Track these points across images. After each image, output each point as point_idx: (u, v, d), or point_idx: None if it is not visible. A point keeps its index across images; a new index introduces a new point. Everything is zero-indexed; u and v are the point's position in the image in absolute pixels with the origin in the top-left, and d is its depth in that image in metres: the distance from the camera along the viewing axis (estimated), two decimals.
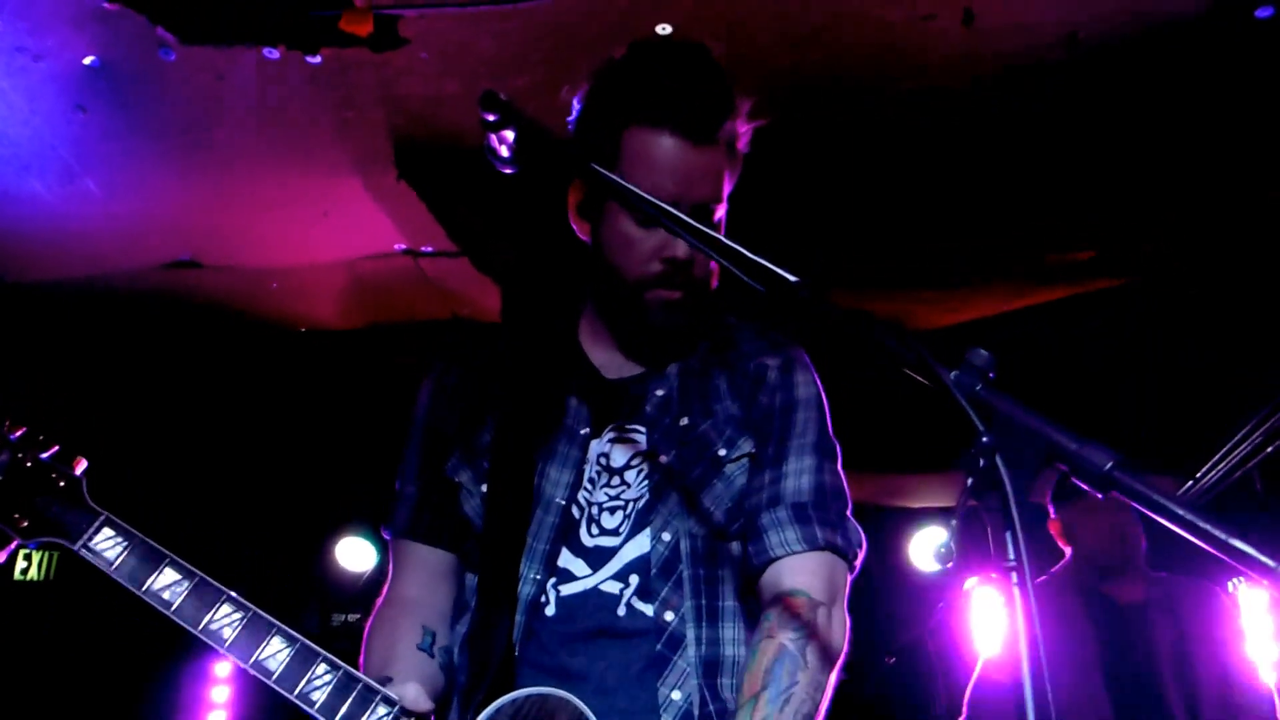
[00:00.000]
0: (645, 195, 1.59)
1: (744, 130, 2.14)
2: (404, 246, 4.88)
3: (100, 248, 4.78)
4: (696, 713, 1.95)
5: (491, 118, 1.67)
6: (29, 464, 2.00)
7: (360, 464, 5.82)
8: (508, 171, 1.76)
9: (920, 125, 4.06)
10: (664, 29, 3.50)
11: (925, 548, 7.25)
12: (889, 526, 7.37)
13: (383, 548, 7.13)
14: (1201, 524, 1.07)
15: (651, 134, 2.03)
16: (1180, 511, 1.09)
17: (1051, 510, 4.53)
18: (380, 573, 7.14)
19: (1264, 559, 1.04)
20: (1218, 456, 6.14)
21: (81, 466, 2.04)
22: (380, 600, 2.22)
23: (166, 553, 1.97)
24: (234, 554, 6.98)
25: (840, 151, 4.20)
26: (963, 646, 6.84)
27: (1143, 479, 1.11)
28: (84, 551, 1.95)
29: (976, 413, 1.19)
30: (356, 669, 2.04)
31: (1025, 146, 4.14)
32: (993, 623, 6.78)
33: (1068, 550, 4.46)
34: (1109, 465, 1.14)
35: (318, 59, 3.63)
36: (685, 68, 2.08)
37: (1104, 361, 5.30)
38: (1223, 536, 1.06)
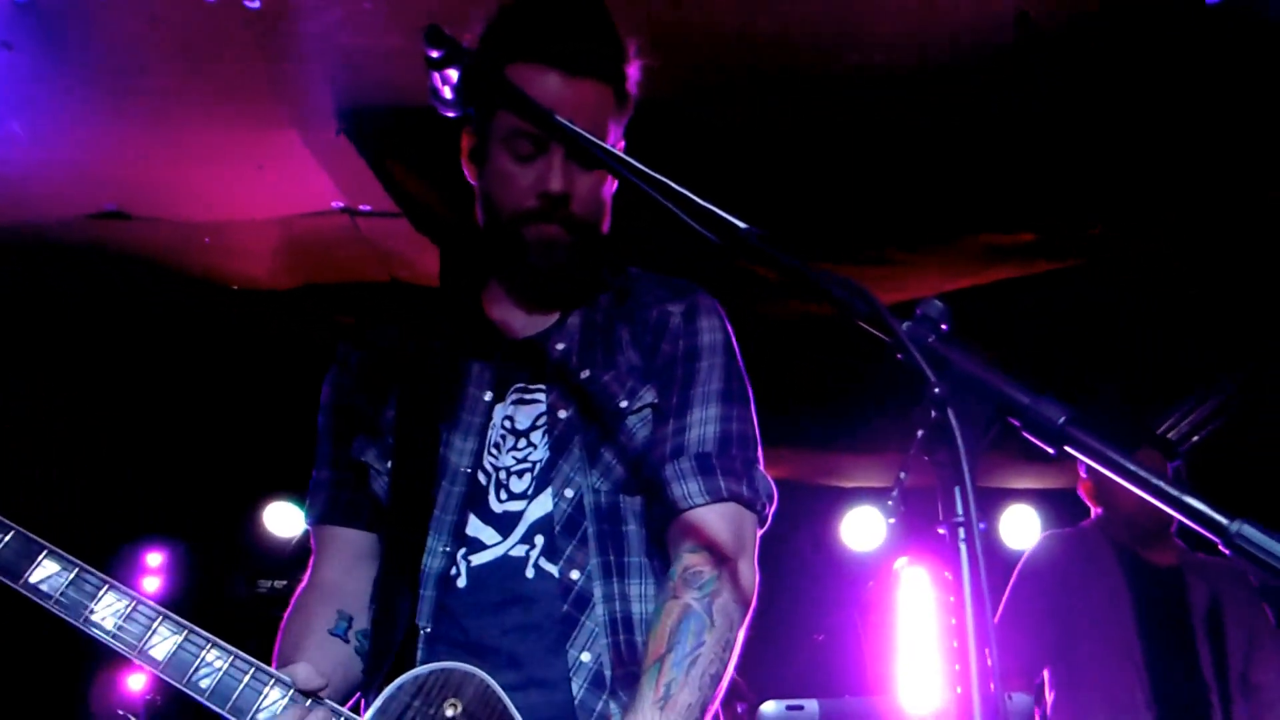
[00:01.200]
0: (576, 129, 1.55)
1: (630, 71, 2.12)
2: (342, 204, 4.77)
3: (25, 194, 4.62)
4: (607, 674, 1.92)
5: (435, 54, 1.62)
6: None
7: (291, 428, 5.71)
8: (450, 115, 1.72)
9: (866, 100, 4.04)
10: None
11: (857, 527, 7.30)
12: (821, 505, 7.42)
13: None
14: (1155, 481, 1.05)
15: (527, 69, 2.00)
16: (1134, 468, 1.06)
17: (1082, 470, 4.61)
18: (309, 538, 7.05)
19: (1216, 516, 1.02)
20: (1159, 432, 6.22)
21: None
22: (299, 588, 2.18)
23: (45, 544, 1.89)
24: (160, 518, 6.85)
25: (784, 123, 4.17)
26: (891, 625, 6.92)
27: (1098, 437, 1.09)
28: None
29: (929, 365, 1.15)
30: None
31: (973, 127, 4.14)
32: (921, 601, 6.87)
33: (1094, 510, 4.57)
34: (1062, 420, 1.11)
35: (257, 4, 3.53)
36: (565, 7, 2.08)
37: (1043, 344, 5.35)
38: (1176, 493, 1.04)
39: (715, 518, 1.98)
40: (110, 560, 6.58)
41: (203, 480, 6.90)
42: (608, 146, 1.53)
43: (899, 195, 4.52)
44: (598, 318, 2.17)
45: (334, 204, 4.77)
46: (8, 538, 1.87)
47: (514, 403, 2.11)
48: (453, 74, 1.65)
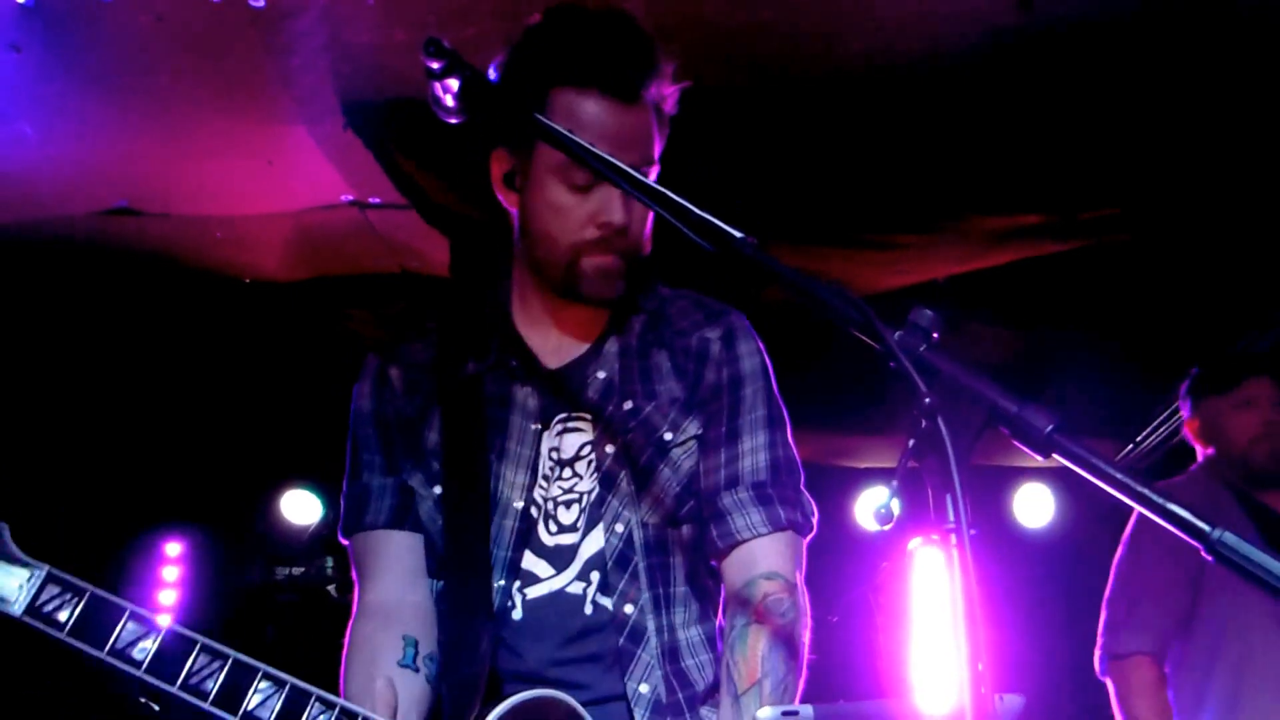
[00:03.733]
0: (592, 148, 1.56)
1: (670, 92, 2.10)
2: (351, 198, 4.79)
3: (36, 193, 4.65)
4: (665, 701, 1.98)
5: (435, 66, 1.63)
6: None
7: (306, 417, 5.76)
8: (452, 122, 1.73)
9: (872, 86, 4.03)
10: None
11: (870, 507, 7.31)
12: (834, 486, 7.43)
13: (329, 500, 7.11)
14: (1139, 488, 1.08)
15: (578, 95, 1.98)
16: (1119, 475, 1.09)
17: (1185, 410, 4.21)
18: (326, 525, 7.10)
19: (1199, 523, 1.04)
20: (1157, 422, 6.25)
21: (4, 531, 1.73)
22: (354, 613, 2.11)
23: (126, 604, 1.70)
24: (178, 508, 6.91)
25: (792, 110, 4.17)
26: (905, 606, 6.94)
27: (1082, 442, 1.11)
28: (29, 619, 1.66)
29: (920, 373, 1.18)
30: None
31: (978, 110, 4.13)
32: (935, 582, 6.87)
33: (1201, 452, 4.15)
34: (1049, 428, 1.14)
35: (261, 2, 3.54)
36: (609, 29, 2.05)
37: (1049, 325, 5.35)
38: (1160, 501, 1.07)
39: (779, 546, 2.07)
40: (130, 549, 6.66)
41: (219, 470, 6.95)
42: (636, 175, 1.52)
43: (905, 180, 4.52)
44: (633, 343, 2.18)
45: (343, 197, 4.79)
46: (84, 599, 1.68)
47: (559, 433, 2.12)
48: (453, 83, 1.66)
